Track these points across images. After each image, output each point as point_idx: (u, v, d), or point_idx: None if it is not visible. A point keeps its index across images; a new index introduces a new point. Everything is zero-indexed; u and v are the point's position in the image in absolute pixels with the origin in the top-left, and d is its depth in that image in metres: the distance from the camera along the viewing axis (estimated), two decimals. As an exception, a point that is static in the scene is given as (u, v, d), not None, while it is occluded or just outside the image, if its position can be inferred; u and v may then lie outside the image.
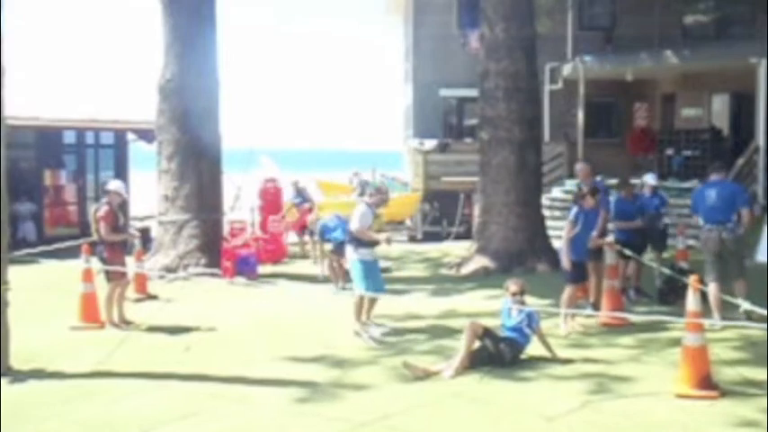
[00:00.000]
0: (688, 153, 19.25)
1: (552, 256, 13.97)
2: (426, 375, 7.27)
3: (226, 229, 15.09)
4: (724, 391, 6.68)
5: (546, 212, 16.26)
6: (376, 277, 8.99)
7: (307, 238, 15.39)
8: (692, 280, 6.97)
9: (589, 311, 9.53)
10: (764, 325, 6.62)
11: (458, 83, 21.14)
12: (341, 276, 11.69)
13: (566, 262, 8.94)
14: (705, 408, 6.36)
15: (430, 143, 20.91)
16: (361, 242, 8.88)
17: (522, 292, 7.87)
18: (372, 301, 9.11)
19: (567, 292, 9.02)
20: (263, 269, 13.81)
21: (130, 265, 10.38)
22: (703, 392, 6.59)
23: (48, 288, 11.53)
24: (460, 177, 19.24)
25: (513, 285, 7.95)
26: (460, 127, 22.93)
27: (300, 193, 16.32)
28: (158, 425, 6.15)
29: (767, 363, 7.29)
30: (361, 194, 22.97)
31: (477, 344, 7.56)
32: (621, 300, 9.80)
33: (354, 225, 8.92)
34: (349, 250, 9.04)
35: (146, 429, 6.08)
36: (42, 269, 11.15)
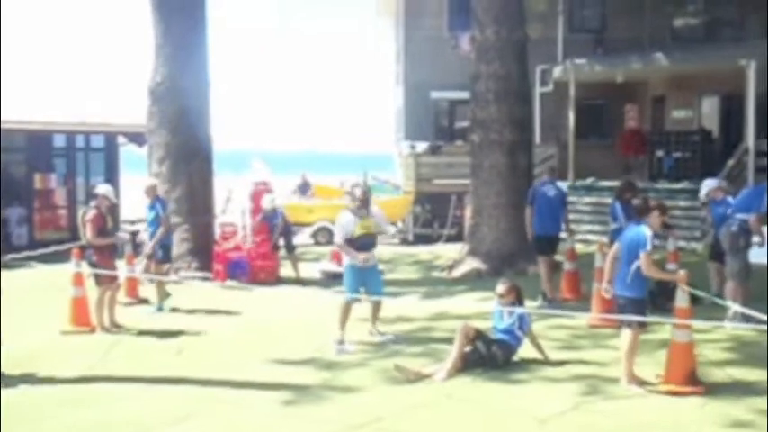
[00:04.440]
0: (678, 155, 19.28)
1: (544, 262, 14.00)
2: (418, 378, 7.26)
3: (217, 233, 15.05)
4: (715, 392, 6.71)
5: (537, 215, 16.28)
6: (351, 284, 8.72)
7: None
8: (679, 276, 7.01)
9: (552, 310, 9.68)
10: (760, 326, 6.63)
11: (449, 85, 21.14)
12: (160, 293, 10.74)
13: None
14: (697, 408, 6.39)
15: (421, 146, 20.92)
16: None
17: (509, 294, 7.85)
18: (375, 308, 8.98)
19: (630, 338, 7.07)
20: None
21: (121, 268, 10.34)
22: (688, 388, 6.66)
23: (38, 292, 11.47)
24: (452, 180, 19.25)
25: (499, 287, 7.95)
26: (452, 129, 22.92)
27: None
28: (150, 429, 6.13)
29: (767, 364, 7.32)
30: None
31: (468, 346, 7.57)
32: (611, 301, 9.82)
33: (335, 239, 9.11)
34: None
35: (137, 433, 6.06)
36: (32, 273, 11.11)
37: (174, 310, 10.67)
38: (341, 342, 8.53)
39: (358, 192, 8.72)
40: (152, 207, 10.96)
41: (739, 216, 9.28)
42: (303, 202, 22.38)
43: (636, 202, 7.57)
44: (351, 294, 8.70)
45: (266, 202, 13.97)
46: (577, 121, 20.16)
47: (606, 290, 7.47)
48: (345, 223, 8.64)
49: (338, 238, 8.79)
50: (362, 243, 8.64)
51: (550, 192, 11.30)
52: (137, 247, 13.34)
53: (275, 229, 13.74)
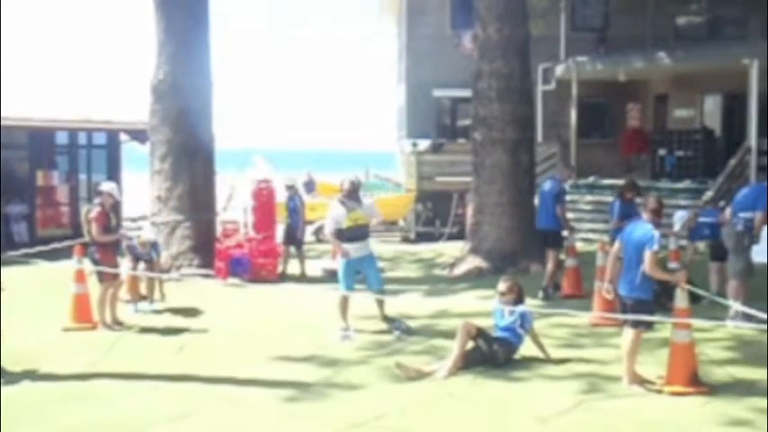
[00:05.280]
0: (680, 153, 19.26)
1: (544, 257, 14.00)
2: (419, 376, 7.27)
3: (218, 230, 15.05)
4: (715, 391, 6.71)
5: (539, 213, 16.27)
6: (348, 278, 9.10)
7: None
8: (677, 277, 7.00)
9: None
10: (761, 325, 6.63)
11: (451, 83, 21.12)
12: (150, 291, 10.76)
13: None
14: (698, 407, 6.39)
15: (423, 143, 20.91)
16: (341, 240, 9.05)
17: (511, 292, 7.86)
18: (379, 305, 9.23)
19: (633, 338, 6.98)
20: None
21: (123, 266, 10.36)
22: (692, 389, 6.65)
23: (40, 289, 11.47)
24: (454, 178, 19.23)
25: (501, 285, 7.95)
26: (454, 127, 22.91)
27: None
28: (151, 426, 6.14)
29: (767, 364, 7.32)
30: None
31: (470, 344, 7.57)
32: (613, 300, 9.82)
33: (325, 230, 9.55)
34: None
35: (138, 430, 6.07)
36: (34, 270, 11.10)
37: (155, 311, 10.61)
38: (345, 329, 8.88)
39: (346, 184, 9.16)
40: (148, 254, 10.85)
41: (743, 215, 9.24)
42: (308, 199, 22.33)
43: (649, 201, 7.37)
44: (345, 290, 9.01)
45: (284, 179, 14.00)
46: (579, 119, 20.16)
47: (607, 290, 7.45)
48: (336, 215, 9.02)
49: (328, 230, 9.25)
50: (353, 234, 8.98)
51: (546, 186, 11.50)
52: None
53: (292, 214, 13.70)
